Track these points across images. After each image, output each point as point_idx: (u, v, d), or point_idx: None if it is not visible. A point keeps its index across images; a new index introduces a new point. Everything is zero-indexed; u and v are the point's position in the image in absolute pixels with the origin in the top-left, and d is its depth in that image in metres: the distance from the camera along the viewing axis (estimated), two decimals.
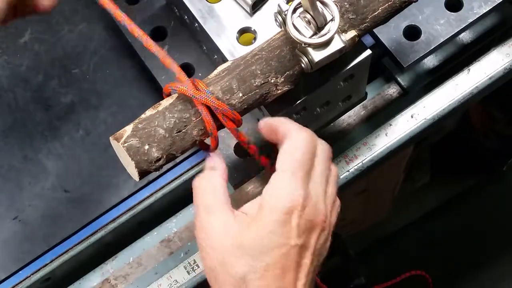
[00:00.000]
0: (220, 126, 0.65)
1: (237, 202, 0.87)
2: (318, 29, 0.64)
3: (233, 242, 0.58)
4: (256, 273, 0.57)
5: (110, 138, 0.65)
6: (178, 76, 0.65)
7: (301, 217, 0.58)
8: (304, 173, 0.59)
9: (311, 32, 0.64)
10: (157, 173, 0.86)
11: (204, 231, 0.60)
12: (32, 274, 0.84)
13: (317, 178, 0.61)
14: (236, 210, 0.62)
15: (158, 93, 0.88)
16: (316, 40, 0.64)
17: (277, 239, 0.57)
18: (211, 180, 0.63)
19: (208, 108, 0.64)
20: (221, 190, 0.62)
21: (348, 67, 0.72)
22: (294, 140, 0.61)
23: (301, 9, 0.64)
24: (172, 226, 0.86)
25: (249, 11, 0.76)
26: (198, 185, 0.63)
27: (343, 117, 0.88)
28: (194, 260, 0.84)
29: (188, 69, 0.85)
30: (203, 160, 0.86)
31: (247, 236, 0.58)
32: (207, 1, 0.78)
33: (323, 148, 0.63)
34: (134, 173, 0.65)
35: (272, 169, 0.62)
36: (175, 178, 0.87)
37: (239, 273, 0.57)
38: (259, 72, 0.66)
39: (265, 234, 0.57)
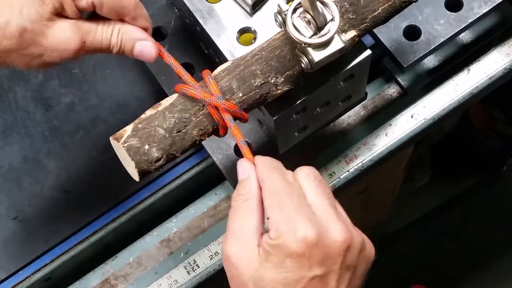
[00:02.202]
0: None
1: None
2: (318, 29, 0.64)
3: (254, 275, 0.58)
4: None
5: (110, 138, 0.65)
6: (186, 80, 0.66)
7: (314, 248, 0.57)
8: (297, 206, 0.59)
9: (311, 32, 0.64)
10: (157, 173, 0.86)
11: (230, 257, 0.60)
12: (32, 274, 0.84)
13: (317, 202, 0.60)
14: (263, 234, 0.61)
15: (158, 93, 0.88)
16: (316, 40, 0.64)
17: (293, 274, 0.57)
18: (246, 202, 0.61)
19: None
20: (254, 215, 0.60)
21: (348, 67, 0.72)
22: (267, 185, 0.61)
23: (301, 9, 0.64)
24: (172, 226, 0.86)
25: (249, 11, 0.76)
26: (234, 204, 0.62)
27: (343, 117, 0.88)
28: (194, 260, 0.84)
29: (188, 69, 0.85)
30: (203, 160, 0.87)
31: (267, 272, 0.58)
32: (207, 1, 0.78)
33: (303, 171, 0.63)
34: (134, 173, 0.65)
35: None
36: (175, 178, 0.87)
37: None
38: (259, 72, 0.66)
39: (281, 271, 0.57)
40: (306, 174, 0.62)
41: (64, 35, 0.65)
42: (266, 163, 0.63)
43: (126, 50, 0.69)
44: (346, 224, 0.60)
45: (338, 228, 0.59)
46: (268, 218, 0.60)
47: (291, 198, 0.59)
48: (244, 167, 0.63)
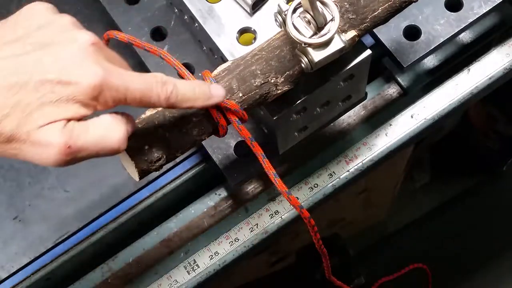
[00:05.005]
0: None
1: (237, 202, 0.87)
2: (318, 29, 0.64)
3: None
4: None
5: None
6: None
7: None
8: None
9: (311, 32, 0.64)
10: (157, 173, 0.86)
11: None
12: (32, 274, 0.84)
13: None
14: None
15: None
16: (316, 40, 0.64)
17: None
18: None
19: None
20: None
21: (348, 67, 0.72)
22: None
23: (301, 9, 0.64)
24: (172, 226, 0.86)
25: (249, 11, 0.76)
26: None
27: (343, 117, 0.88)
28: (194, 260, 0.85)
29: (188, 69, 0.85)
30: (203, 160, 0.87)
31: None
32: (207, 1, 0.78)
33: None
34: (134, 173, 0.65)
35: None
36: (175, 178, 0.87)
37: None
38: (259, 72, 0.66)
39: None
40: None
41: (45, 139, 0.55)
42: None
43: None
44: None
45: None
46: None
47: None
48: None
